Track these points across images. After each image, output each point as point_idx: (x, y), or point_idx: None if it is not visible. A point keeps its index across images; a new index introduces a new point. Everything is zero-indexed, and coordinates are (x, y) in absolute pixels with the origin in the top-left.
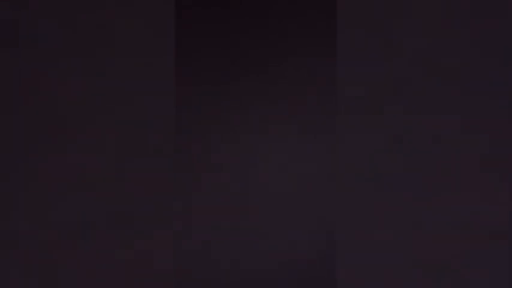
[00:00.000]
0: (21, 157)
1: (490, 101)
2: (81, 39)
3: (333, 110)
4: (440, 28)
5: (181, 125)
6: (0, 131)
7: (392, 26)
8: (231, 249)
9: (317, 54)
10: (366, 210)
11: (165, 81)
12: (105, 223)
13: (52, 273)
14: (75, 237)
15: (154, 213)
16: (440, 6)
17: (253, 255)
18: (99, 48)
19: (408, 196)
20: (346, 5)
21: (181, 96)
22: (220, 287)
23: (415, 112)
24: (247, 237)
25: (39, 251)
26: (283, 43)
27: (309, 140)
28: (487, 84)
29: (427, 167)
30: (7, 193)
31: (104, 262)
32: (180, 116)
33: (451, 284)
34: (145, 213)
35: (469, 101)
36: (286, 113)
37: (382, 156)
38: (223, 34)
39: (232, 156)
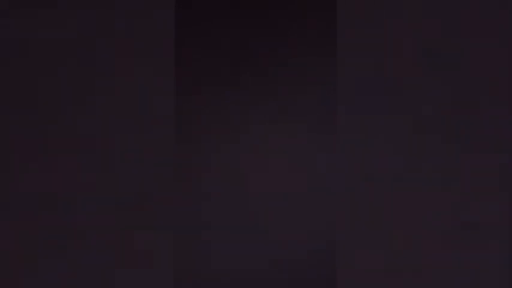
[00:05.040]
0: (20, 157)
1: (490, 100)
2: (81, 39)
3: (333, 110)
4: (440, 27)
5: (181, 125)
6: (2, 129)
7: (392, 26)
8: (231, 249)
9: (317, 54)
10: (366, 210)
11: (165, 81)
12: (105, 223)
13: (52, 273)
14: (76, 238)
15: (155, 213)
16: (440, 5)
17: (253, 255)
18: (99, 48)
19: (408, 196)
20: (346, 5)
21: (181, 96)
22: (220, 287)
23: (415, 111)
24: (247, 238)
25: (39, 249)
26: (284, 43)
27: (309, 140)
28: (488, 83)
29: (427, 167)
30: (8, 191)
31: (104, 262)
32: (180, 116)
33: (452, 283)
34: (145, 213)
35: (469, 101)
36: (286, 113)
37: (382, 156)
38: (223, 34)
39: (232, 156)
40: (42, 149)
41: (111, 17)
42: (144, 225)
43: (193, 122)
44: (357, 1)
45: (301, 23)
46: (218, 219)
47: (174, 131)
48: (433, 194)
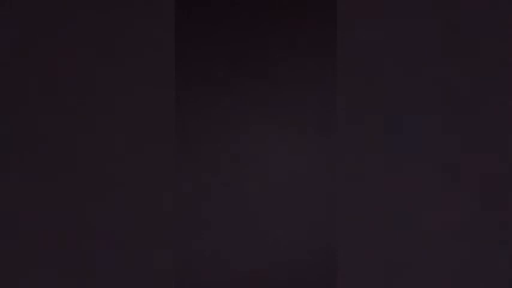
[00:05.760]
0: (19, 158)
1: (491, 99)
2: (81, 39)
3: (333, 110)
4: (440, 27)
5: (181, 125)
6: (1, 129)
7: (392, 26)
8: (231, 249)
9: (317, 55)
10: (366, 210)
11: (165, 82)
12: (104, 223)
13: (52, 273)
14: (75, 238)
15: (155, 213)
16: (441, 4)
17: (253, 255)
18: (99, 48)
19: (409, 196)
20: (346, 4)
21: (181, 96)
22: (220, 287)
23: (416, 112)
24: (247, 238)
25: (39, 248)
26: (284, 43)
27: (309, 140)
28: (488, 82)
29: (427, 167)
30: (7, 193)
31: (104, 262)
32: (180, 116)
33: (451, 283)
34: (145, 213)
35: (470, 101)
36: (287, 113)
37: (382, 156)
38: (223, 34)
39: (232, 156)
40: (41, 149)
41: (111, 17)
42: (144, 226)
43: (193, 122)
44: (357, 1)
45: (301, 23)
46: (218, 219)
47: (174, 131)
48: (434, 194)
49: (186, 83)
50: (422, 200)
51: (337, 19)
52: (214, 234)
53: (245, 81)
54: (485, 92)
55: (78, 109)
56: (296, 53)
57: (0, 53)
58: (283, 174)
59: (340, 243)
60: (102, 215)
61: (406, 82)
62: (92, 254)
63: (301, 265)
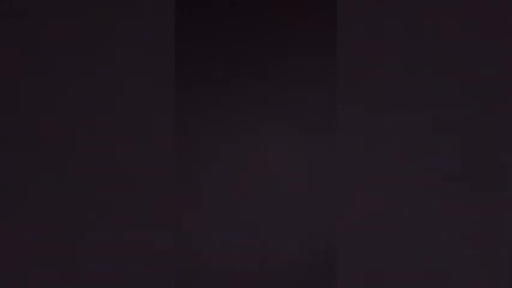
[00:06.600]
0: (20, 157)
1: (491, 101)
2: (81, 39)
3: (333, 110)
4: (441, 27)
5: (181, 125)
6: (2, 128)
7: (392, 26)
8: (231, 249)
9: (317, 55)
10: (366, 211)
11: (165, 82)
12: (105, 223)
13: (52, 273)
14: (76, 238)
15: (155, 213)
16: (441, 4)
17: (253, 256)
18: (99, 48)
19: (409, 196)
20: (346, 4)
21: (181, 96)
22: (220, 287)
23: (416, 112)
24: (247, 238)
25: (39, 248)
26: (284, 43)
27: (309, 140)
28: (489, 85)
29: (427, 167)
30: (7, 188)
31: (104, 261)
32: (180, 116)
33: (451, 283)
34: (145, 213)
35: (469, 100)
36: (287, 113)
37: (382, 156)
38: (223, 34)
39: (232, 156)
40: (41, 148)
41: (111, 17)
42: (144, 225)
43: (193, 122)
44: (357, 1)
45: (301, 23)
46: (218, 219)
47: (174, 131)
48: (434, 194)
49: (186, 83)
50: (422, 201)
51: (337, 19)
52: (215, 234)
53: (245, 81)
54: (486, 92)
55: (77, 109)
56: (296, 53)
57: (0, 53)
58: (283, 174)
59: (340, 243)
60: (102, 214)
61: (406, 82)
62: (92, 254)
63: (301, 265)
